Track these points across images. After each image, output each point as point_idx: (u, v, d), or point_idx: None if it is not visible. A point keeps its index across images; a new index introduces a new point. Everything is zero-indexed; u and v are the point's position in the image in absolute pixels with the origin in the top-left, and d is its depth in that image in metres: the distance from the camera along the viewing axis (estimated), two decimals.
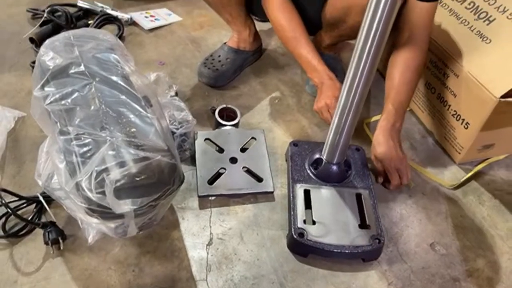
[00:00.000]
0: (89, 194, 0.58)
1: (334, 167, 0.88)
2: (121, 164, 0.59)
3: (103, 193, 0.58)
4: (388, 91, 0.96)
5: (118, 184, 0.58)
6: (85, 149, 0.61)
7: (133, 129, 0.65)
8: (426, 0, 0.93)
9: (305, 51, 1.02)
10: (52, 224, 0.79)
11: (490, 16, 0.98)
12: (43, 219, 0.82)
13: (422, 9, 0.94)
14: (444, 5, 1.08)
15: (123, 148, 0.61)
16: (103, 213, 0.61)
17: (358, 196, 0.88)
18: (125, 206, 0.59)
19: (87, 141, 0.62)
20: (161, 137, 0.67)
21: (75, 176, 0.59)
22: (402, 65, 0.96)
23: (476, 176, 1.01)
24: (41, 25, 1.36)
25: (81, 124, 0.64)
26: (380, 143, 0.91)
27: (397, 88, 0.95)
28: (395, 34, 1.00)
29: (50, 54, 0.75)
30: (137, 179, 0.60)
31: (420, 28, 0.96)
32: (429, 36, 0.99)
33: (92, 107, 0.67)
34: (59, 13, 1.37)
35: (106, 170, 0.59)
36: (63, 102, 0.67)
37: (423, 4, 0.93)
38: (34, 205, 0.83)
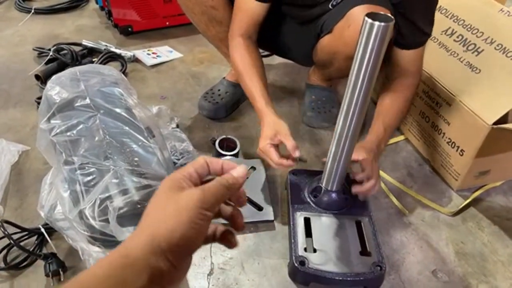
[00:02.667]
0: (92, 222, 0.59)
1: (333, 195, 0.89)
2: (124, 192, 0.61)
3: (106, 220, 0.59)
4: (378, 114, 0.98)
5: (121, 211, 0.60)
6: (89, 178, 0.63)
7: (135, 158, 0.67)
8: (409, 48, 0.98)
9: (249, 88, 0.99)
10: (53, 255, 0.79)
11: (479, 48, 1.03)
12: (44, 251, 0.82)
13: (407, 55, 0.99)
14: (434, 38, 1.13)
15: (126, 177, 0.63)
16: (106, 241, 0.62)
17: (358, 223, 0.88)
18: (128, 233, 0.60)
19: (91, 170, 0.64)
20: (163, 166, 0.69)
21: (79, 205, 0.61)
22: (390, 98, 0.99)
23: (474, 203, 1.02)
24: (46, 63, 1.41)
25: (85, 154, 0.66)
26: (366, 148, 0.90)
27: (386, 112, 0.98)
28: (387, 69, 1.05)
29: (56, 89, 0.78)
30: (140, 206, 0.61)
31: (407, 71, 1.00)
32: (419, 75, 1.03)
33: (97, 138, 0.69)
34: (65, 52, 1.43)
35: (109, 197, 0.60)
36: (68, 133, 0.69)
37: (407, 52, 0.98)
38: (35, 237, 0.83)
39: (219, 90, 1.27)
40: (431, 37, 1.13)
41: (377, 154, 0.91)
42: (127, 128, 0.72)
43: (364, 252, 0.83)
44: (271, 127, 0.91)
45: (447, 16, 1.13)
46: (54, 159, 0.71)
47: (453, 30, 1.10)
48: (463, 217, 0.98)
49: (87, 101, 0.75)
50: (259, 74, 1.02)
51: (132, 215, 0.61)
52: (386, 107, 0.99)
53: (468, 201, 1.01)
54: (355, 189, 0.88)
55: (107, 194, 0.60)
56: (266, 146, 0.89)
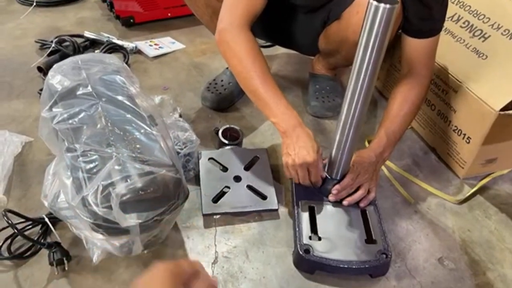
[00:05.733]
0: (95, 209, 0.59)
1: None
2: (127, 178, 0.60)
3: (109, 207, 0.59)
4: (383, 119, 0.93)
5: (124, 198, 0.59)
6: (91, 165, 0.63)
7: (138, 146, 0.67)
8: (422, 37, 0.91)
9: (264, 89, 0.86)
10: (57, 244, 0.78)
11: (485, 33, 1.01)
12: (48, 240, 0.82)
13: (419, 46, 0.93)
14: None
15: (128, 163, 0.62)
16: (109, 228, 0.61)
17: (363, 212, 0.88)
18: (131, 220, 0.59)
19: (93, 157, 0.63)
20: (165, 153, 0.68)
21: (81, 191, 0.60)
22: (401, 97, 0.93)
23: (481, 191, 1.01)
24: (48, 55, 1.40)
25: (87, 142, 0.65)
26: (362, 153, 0.88)
27: (393, 118, 0.92)
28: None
29: (58, 77, 0.78)
30: (142, 193, 0.60)
31: (419, 64, 0.94)
32: (431, 71, 0.96)
33: (99, 126, 0.68)
34: (67, 43, 1.42)
35: (112, 184, 0.59)
36: (70, 121, 0.69)
37: (420, 42, 0.92)
38: (39, 226, 0.83)
39: (222, 80, 1.26)
40: None
41: (376, 163, 0.88)
42: (129, 115, 0.72)
43: (369, 240, 0.82)
44: (312, 139, 0.84)
45: (453, 2, 1.12)
46: (56, 147, 0.71)
47: (459, 16, 1.08)
48: (469, 205, 0.97)
49: (89, 89, 0.74)
50: (270, 74, 0.90)
51: (135, 202, 0.60)
52: (393, 113, 0.92)
53: (475, 189, 1.00)
54: (345, 201, 0.87)
55: (109, 181, 0.59)
56: (317, 161, 0.83)
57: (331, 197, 0.88)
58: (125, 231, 0.62)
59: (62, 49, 1.39)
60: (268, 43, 1.50)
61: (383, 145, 0.89)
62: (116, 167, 0.61)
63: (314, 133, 1.13)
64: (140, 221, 0.60)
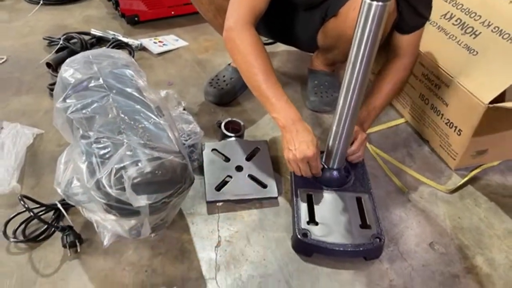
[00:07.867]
0: (109, 190, 0.63)
1: (335, 173, 0.93)
2: (137, 163, 0.65)
3: (122, 189, 0.63)
4: (367, 95, 1.04)
5: (135, 180, 0.64)
6: (104, 151, 0.67)
7: (147, 134, 0.71)
8: (412, 31, 1.00)
9: (267, 86, 0.89)
10: (70, 228, 0.83)
11: (476, 31, 1.06)
12: (62, 224, 0.87)
13: (409, 39, 1.02)
14: (433, 23, 1.16)
15: (139, 149, 0.67)
16: (121, 209, 0.66)
17: (359, 199, 0.92)
18: (142, 200, 0.64)
19: (106, 144, 0.68)
20: (173, 141, 0.73)
21: (95, 175, 0.65)
22: (388, 78, 1.05)
23: (472, 181, 1.06)
24: (56, 52, 1.45)
25: (100, 129, 0.70)
26: None
27: (376, 95, 1.04)
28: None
29: (70, 71, 0.82)
30: (152, 176, 0.65)
31: (407, 52, 1.04)
32: (416, 56, 1.08)
33: (110, 115, 0.73)
34: (75, 40, 1.47)
35: (124, 168, 0.64)
36: (84, 111, 0.74)
37: (409, 36, 1.01)
38: (52, 212, 0.88)
39: (224, 76, 1.31)
40: (431, 21, 1.16)
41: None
42: (138, 106, 0.76)
43: (364, 225, 0.87)
44: (311, 133, 0.88)
45: (446, 1, 1.16)
46: (70, 135, 0.75)
47: (451, 14, 1.13)
48: (460, 194, 1.02)
49: (101, 81, 0.78)
50: (273, 70, 0.93)
51: (145, 184, 0.65)
52: (378, 90, 1.04)
53: (466, 179, 1.05)
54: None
55: (121, 165, 0.64)
56: (316, 154, 0.87)
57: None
58: (135, 212, 0.67)
59: (70, 46, 1.43)
60: (269, 40, 1.55)
61: (363, 117, 1.01)
62: (128, 152, 0.66)
63: (312, 127, 1.18)
64: (149, 202, 0.65)
